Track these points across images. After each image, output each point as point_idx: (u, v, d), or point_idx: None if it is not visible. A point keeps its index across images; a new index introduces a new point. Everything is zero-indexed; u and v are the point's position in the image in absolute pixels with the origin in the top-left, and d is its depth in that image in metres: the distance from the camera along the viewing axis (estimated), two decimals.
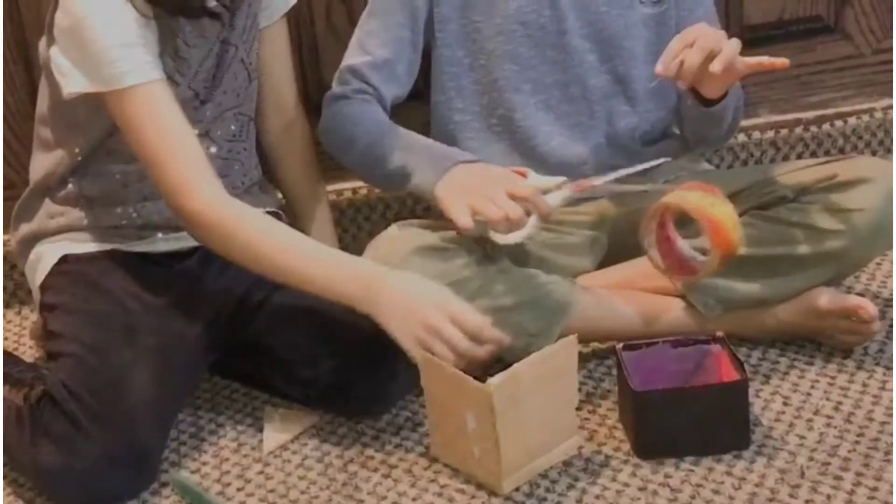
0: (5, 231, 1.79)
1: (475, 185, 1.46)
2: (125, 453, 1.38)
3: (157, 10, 1.44)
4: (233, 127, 1.58)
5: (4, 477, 1.48)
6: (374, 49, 1.59)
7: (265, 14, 1.59)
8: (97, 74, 1.42)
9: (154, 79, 1.43)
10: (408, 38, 1.59)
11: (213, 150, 1.56)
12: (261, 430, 1.53)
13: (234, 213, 1.43)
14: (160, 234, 1.56)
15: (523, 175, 1.52)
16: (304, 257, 1.41)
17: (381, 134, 1.55)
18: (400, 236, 1.51)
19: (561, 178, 1.49)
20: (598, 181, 1.50)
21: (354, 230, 1.91)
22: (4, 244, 1.81)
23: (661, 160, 1.54)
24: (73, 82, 1.44)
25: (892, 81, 1.95)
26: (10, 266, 1.80)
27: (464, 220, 1.44)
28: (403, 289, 1.38)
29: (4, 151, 1.80)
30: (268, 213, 1.63)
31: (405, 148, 1.53)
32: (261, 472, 1.45)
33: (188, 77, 1.50)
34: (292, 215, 1.69)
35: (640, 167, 1.53)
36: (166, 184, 1.43)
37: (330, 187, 1.87)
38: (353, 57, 1.60)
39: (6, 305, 1.85)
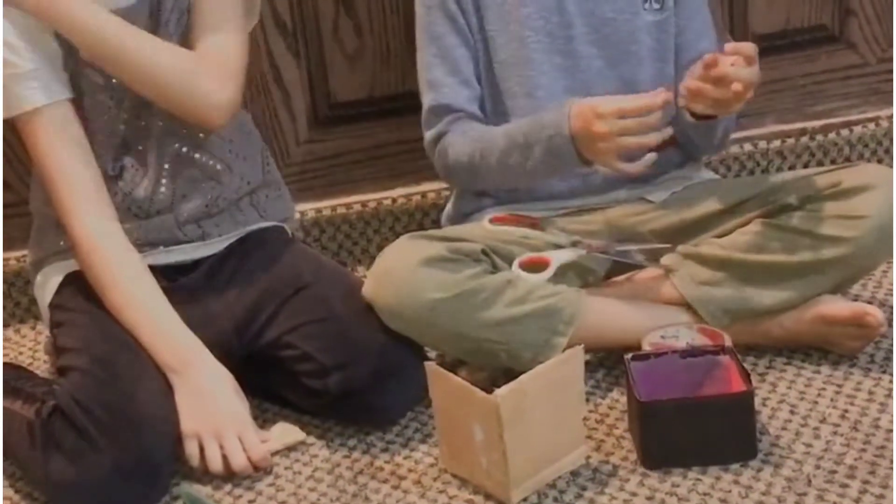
0: (9, 248, 1.82)
1: (592, 133, 1.47)
2: (136, 466, 1.39)
3: None
4: None
5: (17, 490, 1.49)
6: (443, 79, 1.62)
7: None
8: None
9: (47, 102, 1.47)
10: (466, 56, 1.62)
11: (185, 146, 1.57)
12: None
13: (104, 251, 1.50)
14: (162, 248, 1.58)
15: (539, 227, 1.59)
16: (142, 316, 1.48)
17: (496, 148, 1.57)
18: (409, 247, 1.52)
19: (574, 237, 1.56)
20: (610, 248, 1.57)
21: (364, 243, 1.92)
22: (18, 261, 1.83)
23: (664, 245, 1.58)
24: None
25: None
26: (25, 281, 1.82)
27: (633, 168, 1.48)
28: (213, 388, 1.47)
29: (8, 171, 1.83)
30: (271, 227, 1.65)
31: (525, 148, 1.54)
32: (271, 484, 1.46)
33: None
34: None
35: (648, 246, 1.58)
36: (57, 206, 1.51)
37: (339, 201, 1.90)
38: (428, 95, 1.63)
39: (21, 321, 1.87)
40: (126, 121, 1.54)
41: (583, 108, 1.49)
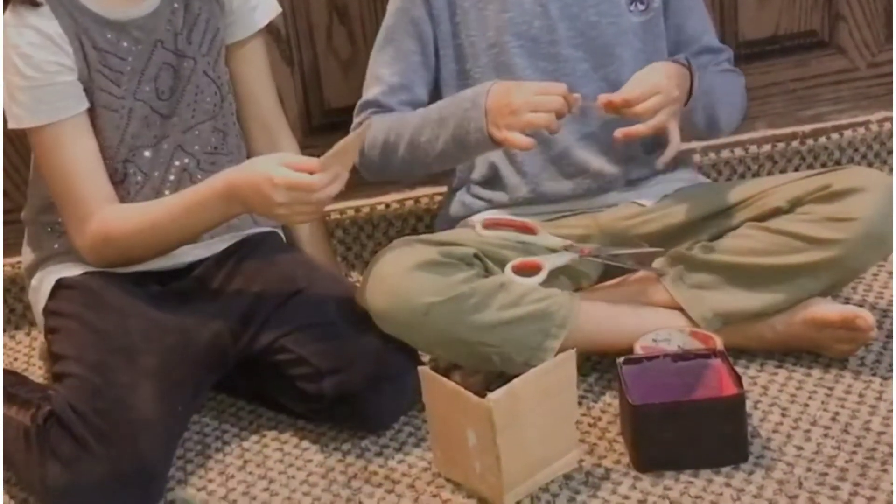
0: (5, 255, 1.83)
1: (510, 105, 1.50)
2: (131, 472, 1.40)
3: (68, 22, 1.49)
4: (213, 140, 1.60)
5: (12, 496, 1.50)
6: (388, 78, 1.64)
7: (230, 30, 1.61)
8: (11, 113, 1.50)
9: (59, 119, 1.49)
10: (420, 62, 1.65)
11: (191, 163, 1.59)
12: (265, 446, 1.55)
13: (114, 215, 1.51)
14: None
15: (532, 231, 1.58)
16: (184, 213, 1.48)
17: (410, 126, 1.59)
18: (401, 251, 1.53)
19: (567, 242, 1.58)
20: (602, 252, 1.59)
21: (357, 248, 1.93)
22: (13, 267, 1.84)
23: (656, 249, 1.60)
24: (7, 116, 1.52)
25: (887, 94, 1.97)
26: (20, 288, 1.82)
27: (524, 142, 1.49)
28: (247, 177, 1.44)
29: (5, 180, 1.83)
30: (265, 232, 1.66)
31: (439, 123, 1.57)
32: (266, 489, 1.47)
33: (131, 88, 1.54)
34: (287, 235, 1.71)
35: (639, 250, 1.59)
36: (73, 211, 1.52)
37: (333, 206, 1.90)
38: (369, 90, 1.66)
39: (16, 327, 1.88)
40: (135, 132, 1.56)
41: (506, 83, 1.53)
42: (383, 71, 1.65)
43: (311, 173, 1.41)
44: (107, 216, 1.51)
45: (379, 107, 1.64)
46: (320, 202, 1.43)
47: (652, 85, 1.51)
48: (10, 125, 1.52)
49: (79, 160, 1.51)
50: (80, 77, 1.51)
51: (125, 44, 1.53)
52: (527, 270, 1.54)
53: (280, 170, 1.41)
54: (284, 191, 1.40)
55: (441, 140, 1.56)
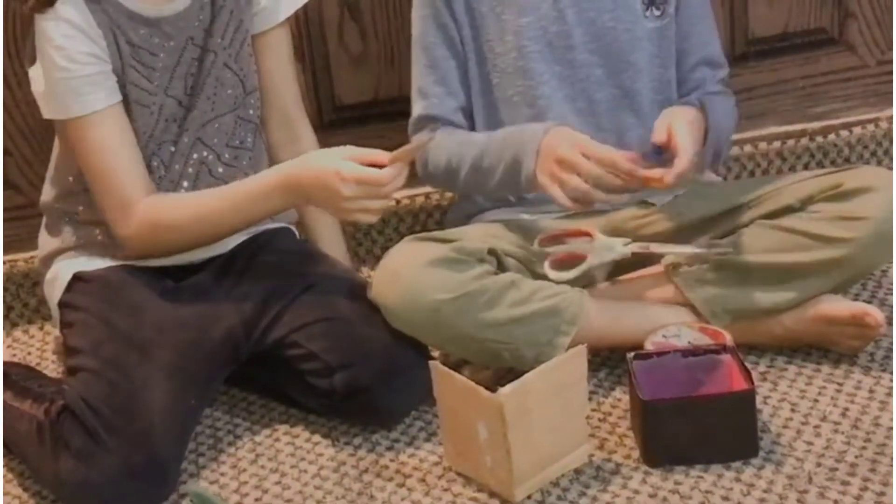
0: (19, 250, 1.84)
1: (556, 153, 1.50)
2: (144, 465, 1.41)
3: (103, 17, 1.50)
4: (237, 132, 1.61)
5: (26, 489, 1.51)
6: (430, 88, 1.65)
7: (256, 20, 1.61)
8: (48, 104, 1.51)
9: (96, 109, 1.50)
10: (454, 66, 1.65)
11: (210, 157, 1.59)
12: (277, 440, 1.55)
13: (163, 203, 1.52)
14: None
15: (590, 236, 1.55)
16: (239, 204, 1.50)
17: (471, 152, 1.60)
18: (413, 249, 1.54)
19: (626, 239, 1.55)
20: (656, 248, 1.56)
21: (368, 244, 1.94)
22: (26, 262, 1.85)
23: (729, 249, 1.55)
24: (42, 106, 1.53)
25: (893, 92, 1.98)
26: (34, 283, 1.83)
27: (563, 202, 1.50)
28: (312, 170, 1.45)
29: (18, 176, 1.84)
30: (278, 228, 1.67)
31: (499, 154, 1.57)
32: (278, 483, 1.48)
33: (163, 85, 1.54)
34: (304, 229, 1.71)
35: (699, 250, 1.56)
36: (113, 201, 1.52)
37: None
38: (417, 105, 1.66)
39: (29, 321, 1.88)
40: (164, 125, 1.56)
41: (566, 130, 1.52)
42: (424, 82, 1.65)
43: (380, 167, 1.42)
44: (155, 204, 1.52)
45: (434, 120, 1.64)
46: (387, 197, 1.43)
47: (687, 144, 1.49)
48: (47, 115, 1.53)
49: (119, 150, 1.51)
50: (113, 70, 1.52)
51: (157, 40, 1.54)
52: (567, 263, 1.52)
53: (347, 164, 1.42)
54: (353, 185, 1.41)
55: (499, 172, 1.57)
